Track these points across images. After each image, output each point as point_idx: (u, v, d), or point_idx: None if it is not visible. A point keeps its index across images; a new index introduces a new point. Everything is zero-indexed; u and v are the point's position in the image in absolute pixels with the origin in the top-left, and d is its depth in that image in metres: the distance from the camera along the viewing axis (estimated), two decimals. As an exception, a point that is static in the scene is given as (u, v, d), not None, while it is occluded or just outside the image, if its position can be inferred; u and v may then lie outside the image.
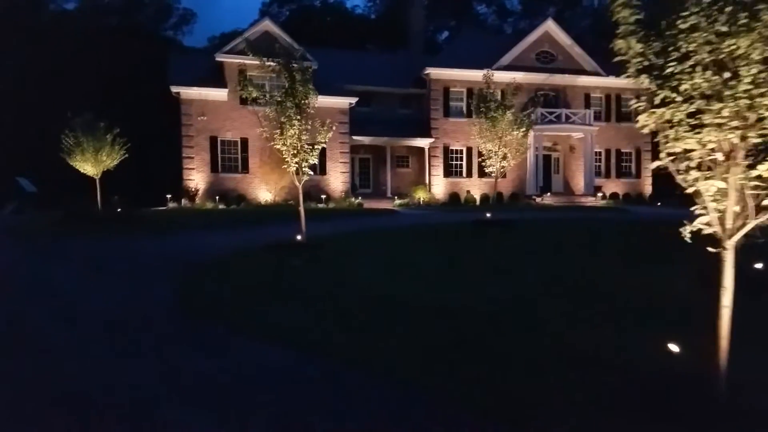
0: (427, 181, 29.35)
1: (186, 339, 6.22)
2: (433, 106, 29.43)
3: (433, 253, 12.50)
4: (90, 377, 4.93)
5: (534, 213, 21.53)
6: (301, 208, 13.59)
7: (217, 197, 25.45)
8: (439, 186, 29.41)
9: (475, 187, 29.78)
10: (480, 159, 29.10)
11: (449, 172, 29.79)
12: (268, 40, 26.50)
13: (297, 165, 13.34)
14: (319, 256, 11.56)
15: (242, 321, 6.80)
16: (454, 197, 28.82)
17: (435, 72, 29.19)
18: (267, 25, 26.55)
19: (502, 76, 29.85)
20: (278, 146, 13.42)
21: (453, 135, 29.69)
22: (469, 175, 29.97)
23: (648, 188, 32.27)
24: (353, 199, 27.07)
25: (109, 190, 20.52)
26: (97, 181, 19.67)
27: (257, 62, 13.00)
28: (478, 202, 28.84)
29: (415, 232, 16.10)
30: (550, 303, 7.68)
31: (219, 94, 26.15)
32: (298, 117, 12.89)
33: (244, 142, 26.68)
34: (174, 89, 25.69)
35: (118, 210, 20.02)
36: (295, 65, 12.84)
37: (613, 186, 31.33)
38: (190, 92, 25.86)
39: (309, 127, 13.15)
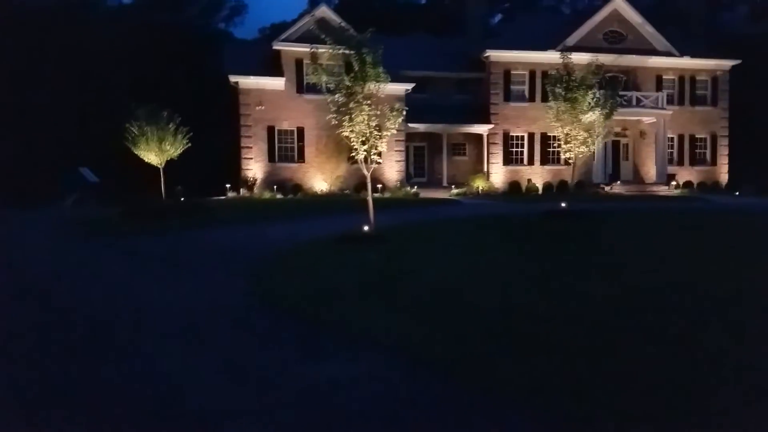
0: (485, 170, 28.30)
1: (285, 340, 5.71)
2: (493, 90, 28.25)
3: (515, 248, 11.61)
4: (198, 392, 4.47)
5: (608, 203, 20.17)
6: (370, 198, 13.05)
7: (275, 187, 25.35)
8: (498, 174, 28.30)
9: (536, 176, 28.49)
10: (545, 145, 28.20)
11: (509, 159, 28.60)
12: (324, 26, 26.05)
13: (366, 152, 12.75)
14: (393, 250, 10.97)
15: (336, 321, 6.24)
16: (514, 186, 27.66)
17: (495, 54, 27.97)
18: (323, 11, 26.08)
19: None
20: (346, 133, 12.88)
21: (514, 120, 28.44)
22: (531, 162, 28.69)
23: (724, 176, 30.03)
24: (408, 189, 26.42)
25: (171, 179, 20.66)
26: (161, 170, 19.78)
27: (326, 48, 12.33)
28: (540, 191, 27.58)
29: (485, 223, 15.28)
30: (693, 313, 6.74)
31: (276, 83, 25.94)
32: (368, 102, 12.26)
33: (300, 131, 26.43)
34: (232, 78, 25.65)
35: (182, 200, 20.10)
36: (365, 49, 12.16)
37: (687, 174, 29.30)
38: (248, 81, 25.77)
39: (378, 112, 12.51)
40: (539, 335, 5.58)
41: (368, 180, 13.18)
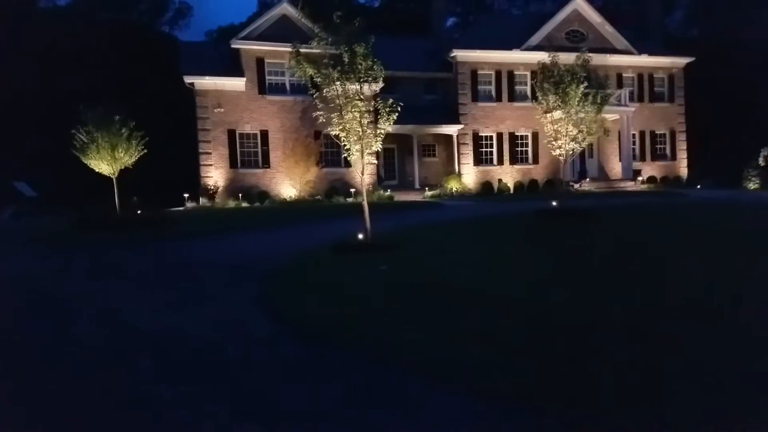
0: (456, 170, 27.74)
1: (358, 387, 4.47)
2: (461, 90, 27.78)
3: (526, 249, 10.88)
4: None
5: (588, 200, 19.87)
6: (365, 203, 11.99)
7: (240, 195, 23.76)
8: (469, 175, 27.82)
9: (507, 175, 28.22)
10: (514, 144, 27.81)
11: (479, 160, 28.19)
12: (286, 24, 24.83)
13: (359, 152, 11.69)
14: (403, 259, 9.96)
15: (395, 352, 5.11)
16: (486, 186, 27.25)
17: (462, 54, 27.53)
18: (285, 8, 24.76)
19: (531, 57, 28.42)
20: (335, 132, 11.79)
21: (482, 120, 28.08)
22: (500, 162, 28.40)
23: (684, 171, 30.85)
24: (382, 192, 25.45)
25: (125, 190, 18.77)
26: (114, 180, 17.90)
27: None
28: (512, 191, 27.29)
29: (486, 224, 14.54)
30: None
31: (236, 83, 24.40)
32: (360, 97, 11.22)
33: (264, 134, 24.99)
34: (188, 79, 23.91)
35: (138, 212, 18.29)
36: (355, 40, 11.10)
37: (650, 169, 29.87)
38: (204, 82, 24.10)
39: (371, 108, 11.50)
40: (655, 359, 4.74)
41: (363, 183, 12.17)
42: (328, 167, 25.52)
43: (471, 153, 28.02)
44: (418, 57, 28.85)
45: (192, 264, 10.67)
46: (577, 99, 15.05)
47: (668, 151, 30.81)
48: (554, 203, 16.38)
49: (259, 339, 5.78)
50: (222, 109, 24.27)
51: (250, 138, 24.90)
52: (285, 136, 25.07)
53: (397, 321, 6.03)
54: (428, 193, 25.95)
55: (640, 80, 30.34)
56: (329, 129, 12.07)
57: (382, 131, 11.69)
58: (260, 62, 24.65)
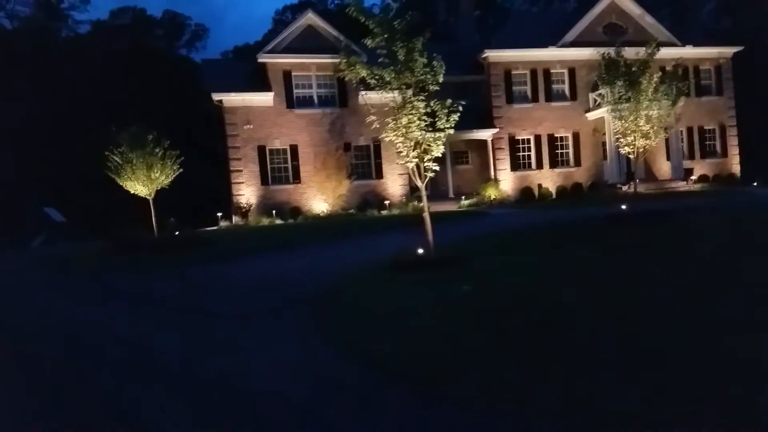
0: (492, 177, 26.46)
1: None
2: (495, 93, 26.58)
3: (623, 260, 9.54)
4: None
5: (653, 204, 18.23)
6: (426, 214, 10.87)
7: (274, 212, 22.86)
8: (507, 181, 26.52)
9: (547, 180, 26.83)
10: (553, 147, 26.50)
11: (517, 164, 26.89)
12: (312, 34, 24.06)
13: (417, 159, 10.59)
14: (475, 277, 8.75)
15: (541, 404, 3.96)
16: (526, 192, 25.89)
17: (494, 54, 26.39)
18: (310, 18, 24.00)
19: (568, 54, 27.22)
20: (390, 138, 10.72)
21: (518, 123, 26.82)
22: (540, 166, 27.04)
23: (736, 168, 29.03)
24: (416, 203, 24.28)
25: (158, 212, 17.98)
26: (151, 202, 17.12)
27: (373, 39, 10.10)
28: (554, 196, 25.89)
29: (548, 234, 13.30)
30: None
31: (264, 98, 23.64)
32: (421, 98, 10.13)
33: (294, 149, 24.12)
34: (216, 96, 23.21)
35: (176, 234, 17.44)
36: (414, 36, 10.05)
37: (700, 168, 28.14)
38: (233, 99, 23.39)
39: (429, 110, 10.39)
40: None
41: (423, 192, 11.02)
42: (359, 179, 24.54)
43: (507, 158, 26.74)
44: (447, 59, 27.63)
45: (239, 289, 9.70)
46: (650, 91, 13.72)
47: (718, 148, 29.05)
48: (623, 207, 14.94)
49: (347, 388, 4.65)
50: (251, 126, 23.49)
51: (279, 153, 24.07)
52: (315, 150, 24.17)
53: (516, 362, 4.82)
54: (464, 201, 24.73)
55: (685, 73, 28.75)
56: (382, 135, 10.97)
57: (441, 136, 10.52)
58: (287, 75, 23.87)
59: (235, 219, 23.13)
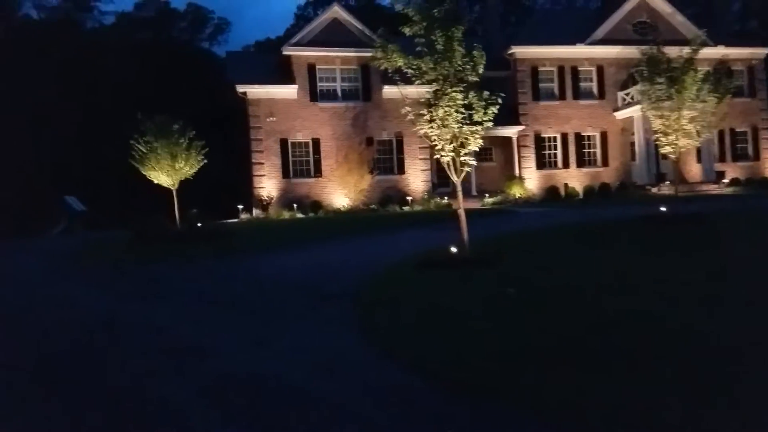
0: (516, 175, 25.96)
1: None
2: (521, 89, 26.05)
3: (670, 264, 9.07)
4: None
5: (684, 205, 17.57)
6: (461, 211, 10.46)
7: (294, 205, 22.63)
8: (532, 180, 26.01)
9: (573, 179, 26.26)
10: (580, 145, 25.99)
11: (542, 163, 26.36)
12: (338, 27, 23.78)
13: (453, 153, 10.22)
14: (516, 277, 8.36)
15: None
16: (552, 191, 25.36)
17: (520, 50, 25.86)
18: (336, 11, 23.70)
19: (596, 51, 26.60)
20: (425, 130, 10.36)
21: (544, 120, 26.28)
22: (566, 165, 26.48)
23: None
24: (438, 200, 23.94)
25: (179, 203, 17.81)
26: (174, 192, 16.95)
27: (411, 27, 9.73)
28: (581, 196, 25.32)
29: (582, 234, 12.81)
30: None
31: (287, 91, 23.40)
32: (461, 88, 9.76)
33: (316, 142, 23.85)
34: (240, 88, 23.02)
35: (198, 225, 17.27)
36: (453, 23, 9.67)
37: (731, 170, 27.32)
38: (257, 91, 23.19)
39: (466, 101, 10.00)
40: None
41: (458, 188, 10.63)
42: (381, 175, 24.22)
43: (533, 156, 26.23)
44: (471, 57, 27.27)
45: (270, 283, 9.39)
46: (695, 88, 13.19)
47: (750, 151, 28.25)
48: (663, 209, 14.37)
49: (401, 396, 4.20)
50: (274, 118, 23.28)
51: (302, 147, 23.82)
52: (337, 144, 23.89)
53: (592, 373, 4.44)
54: (488, 199, 24.28)
55: (729, 72, 27.92)
56: (417, 128, 10.61)
57: (479, 129, 10.13)
58: (311, 68, 23.60)
59: (256, 212, 22.94)
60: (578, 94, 26.63)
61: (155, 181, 17.05)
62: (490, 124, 10.27)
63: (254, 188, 23.31)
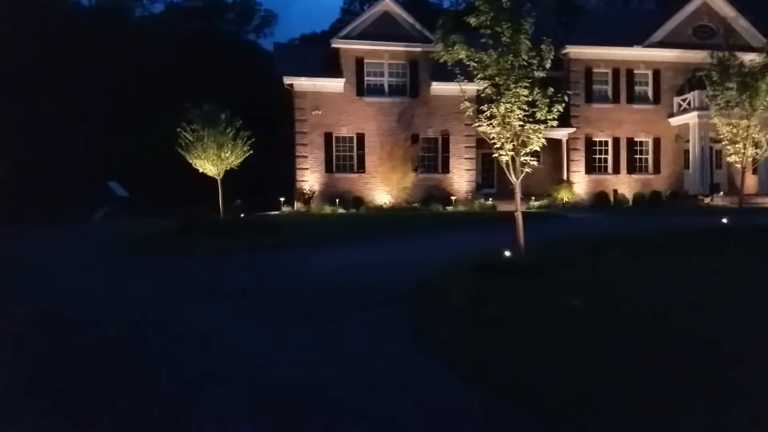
0: (565, 178, 25.18)
1: None
2: (573, 90, 25.05)
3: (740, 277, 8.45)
4: None
5: (744, 217, 16.59)
6: (519, 214, 10.03)
7: (337, 200, 22.49)
8: (580, 184, 25.19)
9: (623, 185, 25.33)
10: (632, 151, 24.95)
11: (592, 167, 25.52)
12: (388, 21, 23.50)
13: (513, 152, 9.78)
14: (578, 287, 7.86)
15: None
16: (601, 197, 24.52)
17: (575, 50, 25.05)
18: (387, 4, 23.39)
19: (653, 54, 25.55)
20: (483, 128, 9.96)
21: (596, 124, 25.42)
22: (616, 171, 25.56)
23: (830, 186, 26.50)
24: (482, 200, 23.40)
25: (223, 193, 17.84)
26: (219, 182, 17.02)
27: (477, 17, 9.31)
28: (630, 203, 24.39)
29: (639, 243, 12.12)
30: None
31: (334, 84, 23.26)
32: (526, 83, 9.32)
33: (361, 138, 23.64)
34: (287, 80, 23.01)
35: (242, 216, 17.29)
36: (521, 16, 9.22)
37: (790, 183, 25.88)
38: (303, 84, 23.12)
39: (531, 98, 9.54)
40: None
41: (518, 190, 10.18)
42: (425, 173, 23.85)
43: (583, 159, 25.41)
44: (523, 56, 26.57)
45: (317, 282, 9.12)
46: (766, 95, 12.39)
47: (812, 163, 26.61)
48: (725, 220, 13.58)
49: (471, 419, 3.83)
50: (320, 112, 23.18)
51: (346, 141, 23.66)
52: (381, 140, 23.63)
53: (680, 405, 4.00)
54: (534, 203, 23.58)
55: None
56: (476, 124, 10.21)
57: (542, 128, 9.65)
58: (359, 62, 23.40)
59: (297, 205, 22.90)
60: (632, 98, 25.64)
61: (200, 170, 17.14)
62: (555, 123, 9.79)
63: (297, 181, 23.29)
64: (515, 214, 10.12)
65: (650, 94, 25.77)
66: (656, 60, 25.49)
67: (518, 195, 10.27)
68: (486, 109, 9.83)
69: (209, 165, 16.72)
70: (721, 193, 24.26)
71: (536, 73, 9.54)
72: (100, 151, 31.10)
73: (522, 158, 9.86)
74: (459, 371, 4.58)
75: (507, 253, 9.83)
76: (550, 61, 9.64)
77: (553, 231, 14.34)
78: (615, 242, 12.22)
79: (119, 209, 26.94)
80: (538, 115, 9.75)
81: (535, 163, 10.02)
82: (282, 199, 23.17)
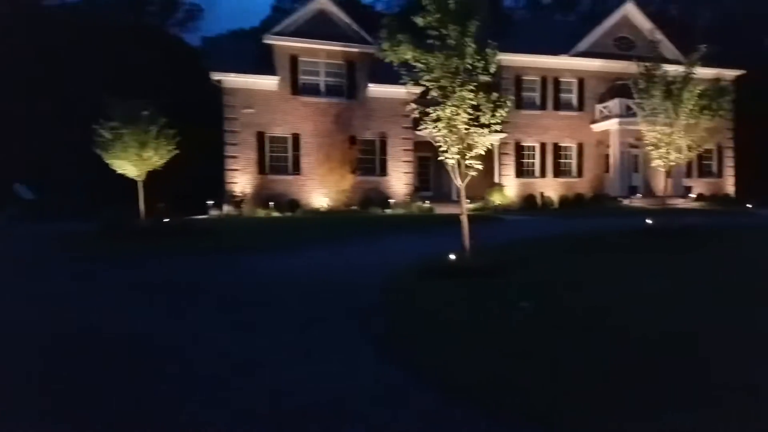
0: (496, 182, 25.85)
1: None
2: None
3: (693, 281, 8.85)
4: None
5: (662, 218, 17.72)
6: (464, 216, 10.03)
7: (270, 203, 21.70)
8: (510, 187, 25.96)
9: (549, 188, 26.38)
10: (558, 156, 26.17)
11: (521, 171, 26.37)
12: (324, 20, 23.04)
13: (459, 156, 9.75)
14: (527, 290, 7.88)
15: None
16: (529, 200, 25.38)
17: (506, 58, 25.70)
18: (323, 2, 22.91)
19: (579, 63, 26.83)
20: (429, 129, 9.86)
21: (525, 129, 26.30)
22: (543, 174, 26.58)
23: (731, 189, 29.18)
24: (421, 204, 23.51)
25: (145, 196, 16.63)
26: (140, 184, 15.85)
27: (425, 18, 9.17)
28: (557, 205, 25.44)
29: (581, 244, 12.51)
30: None
31: (268, 82, 22.46)
32: (472, 87, 9.30)
33: (296, 138, 23.00)
34: (215, 76, 21.92)
35: (166, 221, 16.19)
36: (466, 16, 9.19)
37: (697, 186, 28.17)
38: (234, 80, 22.13)
39: (476, 102, 9.55)
40: None
41: (462, 192, 10.16)
42: (363, 175, 23.61)
43: (513, 164, 26.21)
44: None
45: (261, 291, 8.57)
46: (691, 103, 13.21)
47: (715, 168, 29.12)
48: (649, 221, 14.38)
49: None
50: (252, 110, 22.28)
51: (280, 142, 22.92)
52: (318, 141, 23.11)
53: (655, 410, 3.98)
54: (469, 205, 23.89)
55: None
56: (421, 127, 10.09)
57: (486, 132, 9.69)
58: (294, 60, 22.76)
59: (227, 208, 21.86)
60: (559, 105, 26.80)
61: (119, 171, 15.90)
62: (498, 128, 9.86)
63: (227, 183, 22.24)
64: (461, 217, 10.10)
65: (575, 101, 27.04)
66: (581, 69, 26.79)
67: (463, 198, 10.25)
68: (432, 111, 9.72)
69: (129, 166, 15.51)
70: (639, 195, 25.88)
71: (482, 77, 9.54)
72: (7, 149, 28.25)
73: (467, 161, 9.84)
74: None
75: (452, 256, 9.77)
76: (494, 66, 9.67)
77: (494, 233, 14.57)
78: (557, 243, 12.58)
79: (23, 213, 24.69)
80: (482, 119, 9.78)
81: (480, 166, 10.01)
82: (211, 202, 22.02)
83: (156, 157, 15.80)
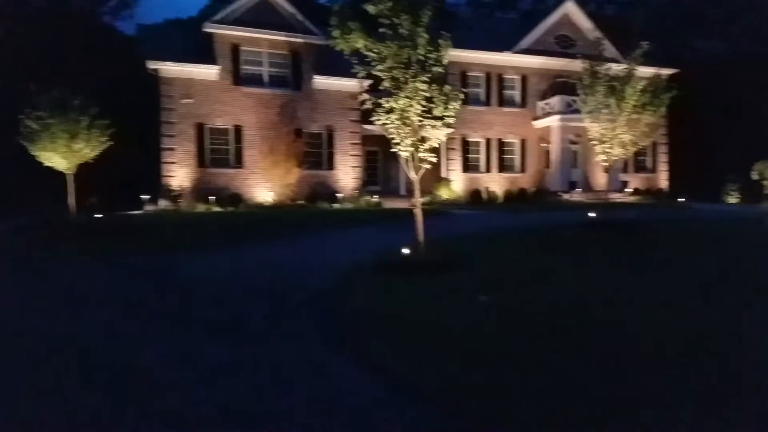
0: (443, 177, 25.98)
1: None
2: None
3: (632, 272, 9.04)
4: None
5: (603, 211, 18.30)
6: (418, 210, 9.88)
7: (211, 198, 20.77)
8: (457, 182, 26.18)
9: (494, 183, 26.81)
10: (502, 151, 26.68)
11: (467, 166, 26.63)
12: (267, 9, 22.24)
13: (412, 149, 9.55)
14: (483, 283, 7.85)
15: None
16: (475, 194, 25.68)
17: (452, 54, 25.43)
18: (266, -9, 22.07)
19: (521, 60, 27.34)
20: (382, 121, 9.60)
21: (471, 125, 26.54)
22: (488, 169, 26.97)
23: (665, 183, 30.68)
24: (369, 198, 23.23)
25: (75, 190, 15.44)
26: (70, 177, 14.69)
27: (377, 6, 8.86)
28: (501, 200, 25.87)
29: (531, 238, 12.68)
30: None
31: (207, 72, 21.48)
32: (425, 78, 9.10)
33: (238, 130, 22.13)
34: (151, 65, 20.71)
35: (99, 217, 15.10)
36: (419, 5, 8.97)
37: (633, 181, 29.45)
38: (171, 69, 20.99)
39: (428, 95, 9.38)
40: None
41: (417, 186, 9.98)
42: (310, 169, 23.03)
43: (459, 159, 26.42)
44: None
45: (207, 290, 8.05)
46: (633, 99, 13.61)
47: (649, 164, 30.57)
48: (593, 215, 14.77)
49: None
50: (191, 100, 21.22)
51: (221, 133, 21.98)
52: (262, 134, 22.34)
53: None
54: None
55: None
56: (374, 118, 9.79)
57: (439, 124, 9.54)
58: (235, 49, 21.85)
59: (164, 203, 20.71)
60: (503, 101, 27.23)
61: (46, 163, 14.71)
62: (452, 120, 9.72)
63: (163, 177, 21.09)
64: (415, 210, 9.93)
65: (518, 98, 27.56)
66: (523, 66, 27.31)
67: (417, 191, 10.07)
68: (385, 102, 9.46)
69: (58, 158, 14.35)
70: (579, 190, 26.74)
71: (434, 69, 9.36)
72: None
73: (421, 154, 9.65)
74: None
75: (405, 251, 9.58)
76: (446, 57, 9.52)
77: (444, 227, 14.49)
78: (508, 237, 12.62)
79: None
80: (435, 112, 9.63)
81: (434, 159, 9.84)
82: (146, 196, 20.79)
83: (87, 149, 14.74)
